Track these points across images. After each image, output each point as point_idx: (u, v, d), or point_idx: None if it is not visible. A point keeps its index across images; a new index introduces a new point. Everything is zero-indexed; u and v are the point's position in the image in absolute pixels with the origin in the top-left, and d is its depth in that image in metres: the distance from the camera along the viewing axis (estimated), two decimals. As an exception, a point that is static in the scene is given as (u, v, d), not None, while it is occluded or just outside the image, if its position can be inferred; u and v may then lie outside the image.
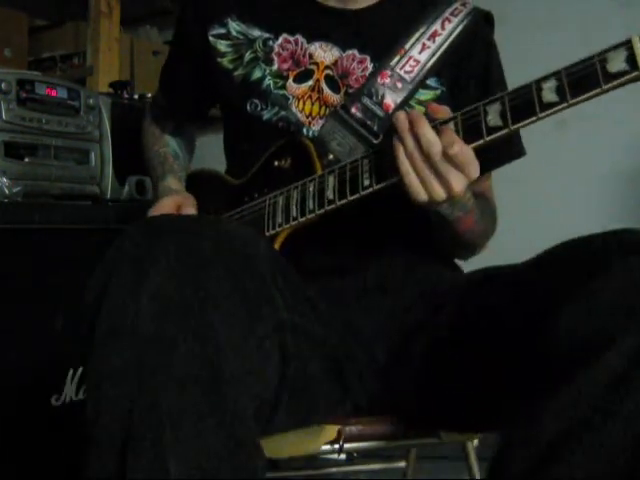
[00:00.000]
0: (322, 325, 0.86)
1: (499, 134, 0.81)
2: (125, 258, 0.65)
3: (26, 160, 1.46)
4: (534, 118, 0.78)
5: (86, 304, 0.67)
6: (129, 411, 0.60)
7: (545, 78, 0.77)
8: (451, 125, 0.83)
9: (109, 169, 1.64)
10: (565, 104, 0.75)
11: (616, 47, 0.73)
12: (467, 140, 0.82)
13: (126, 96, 1.82)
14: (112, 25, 2.09)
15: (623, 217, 1.94)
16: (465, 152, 0.80)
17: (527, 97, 0.78)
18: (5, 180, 1.39)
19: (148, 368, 0.60)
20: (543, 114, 0.77)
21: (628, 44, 0.72)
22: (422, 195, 0.83)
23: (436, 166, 0.81)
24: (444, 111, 0.85)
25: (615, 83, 0.73)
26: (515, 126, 0.79)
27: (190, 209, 1.04)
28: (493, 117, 0.80)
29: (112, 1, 2.08)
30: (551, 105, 0.76)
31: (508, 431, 0.66)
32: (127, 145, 1.59)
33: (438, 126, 0.83)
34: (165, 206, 1.03)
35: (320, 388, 0.86)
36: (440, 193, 0.82)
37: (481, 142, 0.82)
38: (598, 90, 0.73)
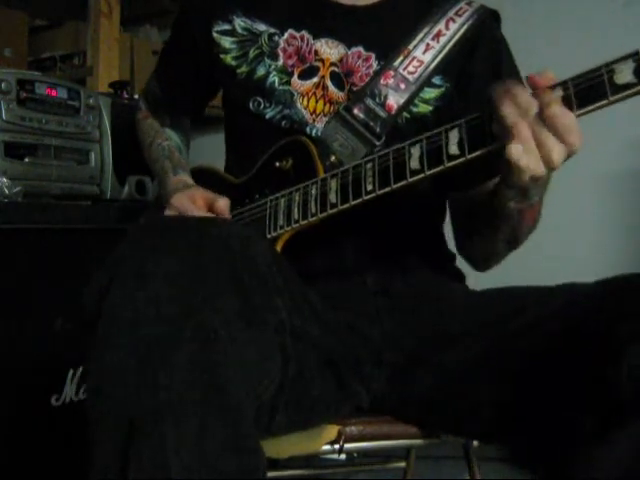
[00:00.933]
0: (320, 327, 0.86)
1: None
2: (126, 259, 0.65)
3: (26, 160, 1.46)
4: None
5: (87, 305, 0.67)
6: (130, 412, 0.60)
7: (551, 88, 0.75)
8: (455, 132, 0.82)
9: (109, 169, 1.64)
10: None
11: (624, 58, 0.72)
12: (471, 148, 0.80)
13: (126, 96, 1.82)
14: (112, 25, 2.09)
15: (623, 218, 1.94)
16: (565, 116, 0.73)
17: None
18: (5, 180, 1.39)
19: (149, 369, 0.60)
20: None
21: (636, 56, 0.71)
22: (525, 163, 0.75)
23: (535, 131, 0.74)
24: (547, 79, 0.76)
25: (622, 95, 0.72)
26: None
27: (224, 200, 0.97)
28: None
29: (112, 1, 2.08)
30: None
31: (562, 470, 0.67)
32: (127, 145, 1.58)
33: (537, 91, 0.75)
34: (197, 196, 0.97)
35: (319, 390, 0.86)
36: (539, 163, 0.75)
37: (485, 150, 0.79)
38: (605, 102, 0.73)
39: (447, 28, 1.00)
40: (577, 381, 0.71)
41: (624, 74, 0.71)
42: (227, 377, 0.62)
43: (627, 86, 0.71)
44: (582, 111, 0.74)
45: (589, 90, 0.73)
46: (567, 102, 0.74)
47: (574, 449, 0.66)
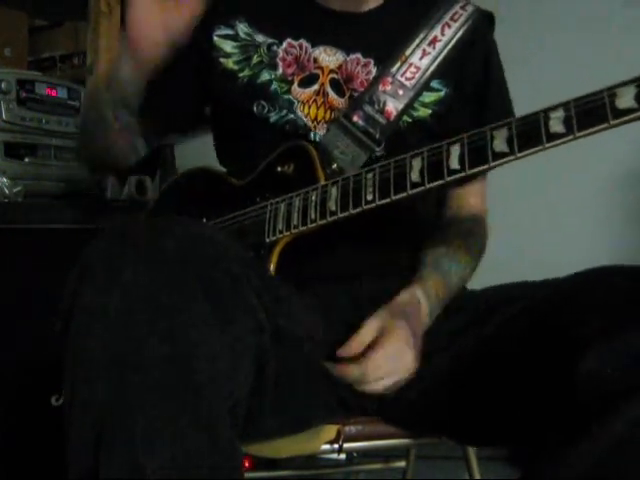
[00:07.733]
0: (308, 329, 0.86)
1: (504, 160, 0.79)
2: (97, 258, 0.65)
3: (26, 160, 1.46)
4: (540, 147, 0.76)
5: (61, 308, 0.67)
6: (101, 411, 0.60)
7: (553, 108, 0.76)
8: (457, 146, 0.82)
9: (109, 169, 1.63)
10: (571, 136, 0.74)
11: (626, 83, 0.72)
12: (471, 163, 0.81)
13: (126, 96, 1.82)
14: (112, 25, 2.09)
15: (624, 219, 1.94)
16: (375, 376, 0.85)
17: (535, 125, 0.77)
18: (5, 180, 1.39)
19: (119, 369, 0.60)
20: (549, 144, 0.76)
21: (638, 81, 0.71)
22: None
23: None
24: (351, 370, 0.87)
25: (623, 120, 0.72)
26: (521, 154, 0.78)
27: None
28: (499, 143, 0.79)
29: (112, 1, 2.08)
30: (558, 136, 0.75)
31: (527, 471, 0.68)
32: (127, 145, 1.58)
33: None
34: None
35: (312, 392, 0.86)
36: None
37: (485, 167, 0.80)
38: (605, 125, 0.72)
39: (443, 34, 1.01)
40: (542, 382, 0.71)
41: (626, 99, 0.71)
42: (197, 376, 0.62)
43: (628, 111, 0.71)
44: (582, 133, 0.74)
45: (590, 112, 0.73)
46: (568, 123, 0.74)
47: (541, 452, 0.66)
